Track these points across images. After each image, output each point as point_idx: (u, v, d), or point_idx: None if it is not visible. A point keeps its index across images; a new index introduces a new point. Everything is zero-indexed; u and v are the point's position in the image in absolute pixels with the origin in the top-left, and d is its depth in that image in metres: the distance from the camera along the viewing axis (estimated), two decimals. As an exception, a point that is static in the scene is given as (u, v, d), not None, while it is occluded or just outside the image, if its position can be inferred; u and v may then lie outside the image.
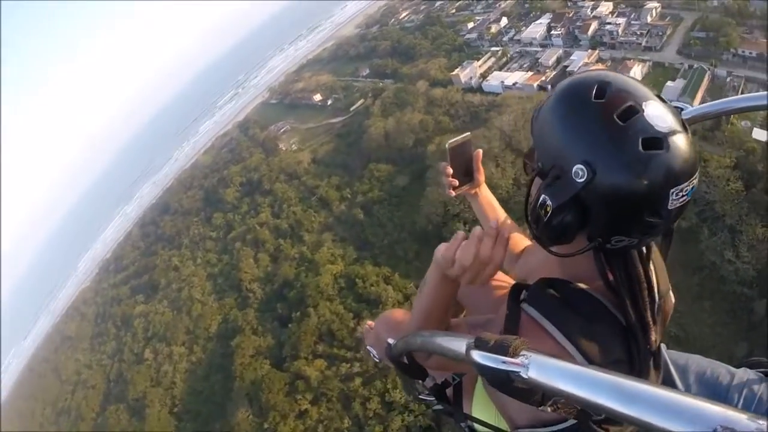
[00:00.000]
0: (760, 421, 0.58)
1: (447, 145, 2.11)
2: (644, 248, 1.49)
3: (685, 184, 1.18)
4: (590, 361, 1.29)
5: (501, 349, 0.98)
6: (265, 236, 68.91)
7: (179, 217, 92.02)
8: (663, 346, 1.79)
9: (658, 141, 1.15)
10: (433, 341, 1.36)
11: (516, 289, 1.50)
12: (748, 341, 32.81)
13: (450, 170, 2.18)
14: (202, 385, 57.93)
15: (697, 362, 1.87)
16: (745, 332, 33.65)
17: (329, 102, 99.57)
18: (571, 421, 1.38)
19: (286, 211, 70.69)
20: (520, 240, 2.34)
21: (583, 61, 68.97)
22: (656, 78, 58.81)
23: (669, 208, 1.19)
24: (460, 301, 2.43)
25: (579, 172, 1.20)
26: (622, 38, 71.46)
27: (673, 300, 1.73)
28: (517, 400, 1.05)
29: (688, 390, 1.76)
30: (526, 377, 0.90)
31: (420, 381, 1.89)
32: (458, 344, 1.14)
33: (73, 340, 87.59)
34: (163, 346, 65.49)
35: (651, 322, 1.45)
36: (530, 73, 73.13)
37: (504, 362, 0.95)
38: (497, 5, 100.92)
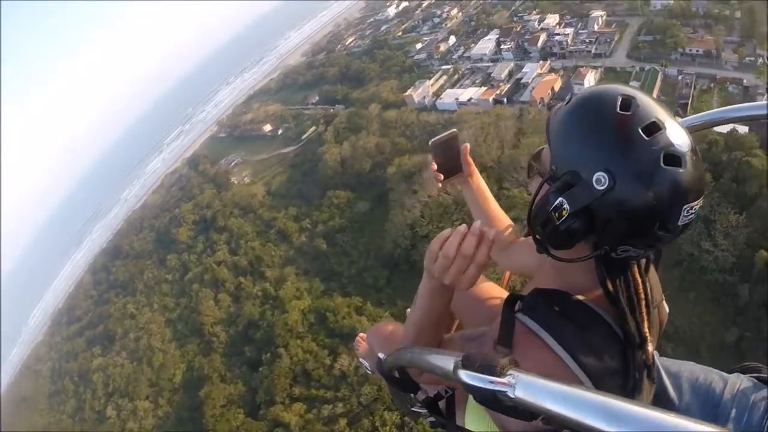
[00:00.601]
0: None
1: (429, 143, 2.10)
2: (644, 260, 1.54)
3: (696, 202, 1.21)
4: (585, 371, 1.32)
5: (488, 368, 0.99)
6: (223, 275, 65.26)
7: (131, 261, 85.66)
8: (655, 354, 1.71)
9: (678, 158, 1.17)
10: (422, 358, 1.38)
11: (511, 300, 1.52)
12: (737, 326, 33.68)
13: (434, 165, 2.16)
14: (173, 442, 53.90)
15: (690, 369, 1.81)
16: (733, 318, 34.37)
17: (280, 132, 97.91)
18: None
19: (244, 247, 67.57)
20: (509, 231, 2.31)
21: (536, 72, 70.25)
22: (610, 83, 58.79)
23: (678, 223, 1.22)
24: (455, 314, 2.40)
25: (601, 179, 1.20)
26: (571, 47, 72.82)
27: (667, 310, 1.76)
28: (507, 416, 1.05)
29: (681, 397, 1.73)
30: (513, 396, 0.92)
31: (412, 394, 1.85)
32: (446, 362, 1.14)
33: (30, 401, 78.97)
34: (125, 402, 59.99)
35: (647, 334, 1.45)
36: (484, 88, 73.18)
37: (491, 382, 0.96)
38: (443, 25, 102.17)
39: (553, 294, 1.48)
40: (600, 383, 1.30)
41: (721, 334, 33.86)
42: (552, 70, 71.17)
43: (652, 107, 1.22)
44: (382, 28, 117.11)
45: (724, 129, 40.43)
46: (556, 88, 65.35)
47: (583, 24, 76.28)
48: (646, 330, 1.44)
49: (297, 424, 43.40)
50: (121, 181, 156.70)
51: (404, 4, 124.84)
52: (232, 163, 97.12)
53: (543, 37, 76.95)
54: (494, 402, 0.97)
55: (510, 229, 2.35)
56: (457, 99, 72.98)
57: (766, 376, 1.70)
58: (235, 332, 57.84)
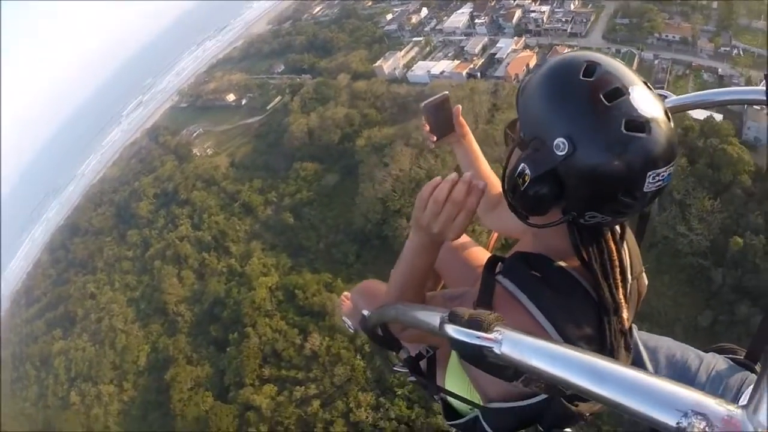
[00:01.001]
0: (731, 407, 0.60)
1: (421, 105, 2.12)
2: (618, 228, 1.57)
3: (662, 169, 1.21)
4: (563, 336, 1.34)
5: (474, 324, 1.00)
6: (187, 251, 62.30)
7: (90, 237, 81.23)
8: (634, 327, 1.82)
9: (640, 124, 1.17)
10: (407, 313, 1.40)
11: (492, 261, 1.53)
12: (710, 309, 34.83)
13: (427, 126, 2.16)
14: (140, 427, 51.49)
15: (668, 345, 1.88)
16: (706, 301, 35.44)
17: (244, 102, 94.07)
18: (543, 397, 1.47)
19: (207, 221, 64.70)
20: (497, 190, 2.24)
21: (510, 48, 69.44)
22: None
23: (644, 190, 1.22)
24: (438, 272, 2.49)
25: (560, 145, 1.22)
26: (547, 25, 72.24)
27: (646, 282, 1.76)
28: (489, 374, 1.08)
29: (657, 372, 1.77)
30: (499, 353, 0.93)
31: (394, 353, 1.90)
32: (433, 317, 1.15)
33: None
34: (89, 387, 56.98)
35: (623, 301, 1.48)
36: (457, 62, 71.80)
37: (478, 337, 0.97)
38: None
39: (533, 258, 1.51)
40: (576, 347, 1.22)
41: (696, 316, 34.65)
42: (527, 46, 70.42)
43: (618, 73, 1.23)
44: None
45: (700, 115, 41.09)
46: (531, 64, 64.17)
47: (559, 3, 75.73)
48: (621, 297, 1.46)
49: (268, 407, 41.95)
50: (78, 155, 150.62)
51: None
52: (194, 134, 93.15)
53: (518, 13, 75.74)
54: (480, 358, 0.98)
55: (498, 190, 2.20)
56: (429, 71, 71.28)
57: (741, 358, 1.76)
58: (200, 311, 55.31)
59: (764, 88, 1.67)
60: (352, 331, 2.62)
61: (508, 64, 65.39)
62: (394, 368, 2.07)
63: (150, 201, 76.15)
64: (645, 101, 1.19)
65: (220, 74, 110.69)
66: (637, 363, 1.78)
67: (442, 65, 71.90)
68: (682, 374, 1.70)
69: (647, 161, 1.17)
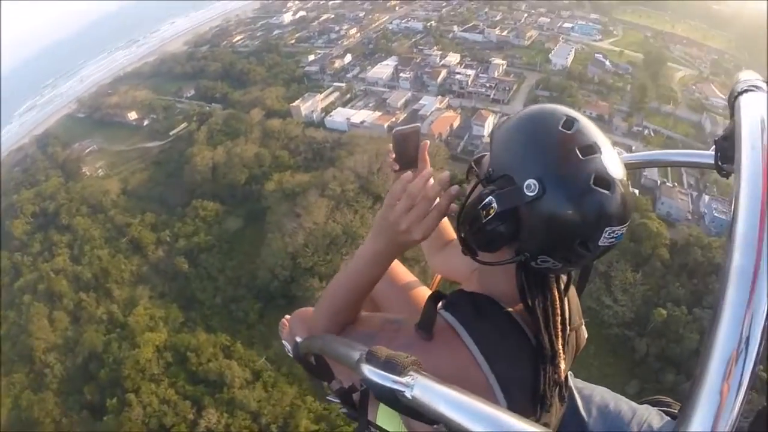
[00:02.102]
0: None
1: (393, 132, 2.01)
2: (564, 278, 1.59)
3: (618, 227, 1.24)
4: (496, 374, 1.34)
5: (390, 366, 1.01)
6: (62, 288, 51.07)
7: None
8: (570, 375, 1.87)
9: (607, 182, 1.21)
10: (331, 346, 1.43)
11: (435, 296, 1.51)
12: (636, 378, 34.99)
13: (392, 155, 2.03)
14: None
15: (602, 394, 1.88)
16: (631, 370, 36.09)
17: (146, 122, 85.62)
18: None
19: (89, 254, 54.95)
20: (448, 232, 2.31)
21: (434, 106, 68.46)
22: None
23: (599, 243, 1.25)
24: (376, 301, 2.35)
25: (531, 185, 1.23)
26: (471, 89, 72.31)
27: (585, 335, 1.77)
28: (407, 416, 1.08)
29: (588, 421, 1.79)
30: (410, 397, 0.93)
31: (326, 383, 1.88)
32: (352, 354, 1.18)
33: None
34: None
35: (561, 350, 1.49)
36: (378, 113, 68.98)
37: (391, 380, 0.97)
38: (340, 42, 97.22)
39: (477, 296, 1.50)
40: (509, 391, 1.33)
41: (622, 386, 33.06)
42: (450, 107, 69.56)
43: (593, 132, 1.28)
44: (275, 32, 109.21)
45: None
46: (455, 125, 63.56)
47: (483, 69, 76.49)
48: (560, 346, 1.47)
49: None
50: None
51: (302, 13, 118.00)
52: (87, 150, 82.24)
53: (443, 73, 75.25)
54: (393, 400, 1.00)
55: (447, 233, 2.30)
56: (348, 119, 68.04)
57: (675, 411, 1.75)
58: (72, 365, 44.86)
59: (713, 152, 1.67)
60: (291, 356, 2.27)
61: (432, 122, 63.21)
62: (327, 398, 1.96)
63: (27, 220, 64.01)
64: (613, 163, 1.24)
65: (125, 89, 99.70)
66: (571, 411, 1.77)
67: (362, 114, 68.88)
68: (613, 425, 1.69)
69: (607, 217, 1.21)
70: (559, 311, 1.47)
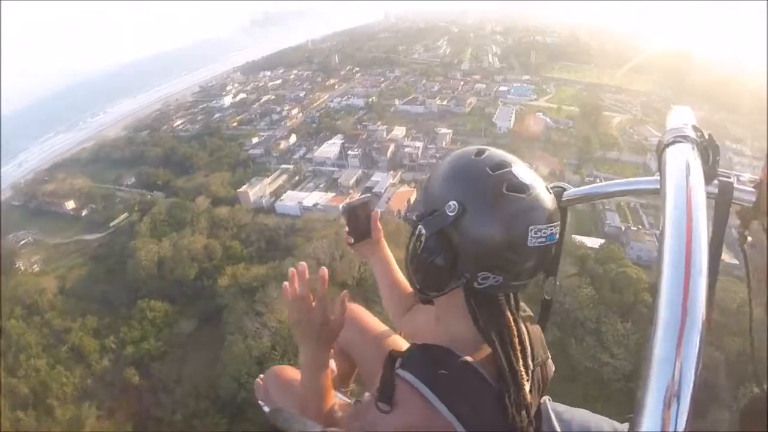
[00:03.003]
0: None
1: (341, 207, 2.20)
2: (513, 302, 1.57)
3: (543, 225, 1.29)
4: (462, 422, 1.32)
5: None
6: None
7: None
8: (548, 399, 1.85)
9: (520, 187, 1.29)
10: (290, 423, 1.55)
11: (392, 358, 1.50)
12: None
13: (346, 228, 2.19)
14: None
15: (582, 416, 1.85)
16: None
17: (84, 213, 77.75)
18: None
19: (25, 365, 45.65)
20: (410, 296, 2.26)
21: (388, 182, 65.66)
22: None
23: (528, 245, 1.28)
24: (352, 358, 2.47)
25: (452, 206, 1.31)
26: (422, 160, 70.41)
27: (553, 368, 1.74)
28: None
29: None
30: None
31: None
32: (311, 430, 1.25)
33: None
34: None
35: (523, 371, 1.47)
36: (331, 194, 64.85)
37: None
38: (283, 123, 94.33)
39: (430, 348, 1.47)
40: (474, 429, 1.32)
41: None
42: (402, 180, 66.78)
43: (502, 154, 1.38)
44: (215, 116, 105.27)
45: (594, 244, 44.80)
46: (412, 200, 59.74)
47: (430, 139, 75.34)
48: (521, 367, 1.45)
49: None
50: None
51: (242, 95, 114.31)
52: (21, 242, 73.54)
53: (392, 147, 72.93)
54: None
55: (409, 295, 2.24)
56: (300, 203, 63.45)
57: None
58: None
59: (657, 177, 1.51)
60: (267, 412, 2.36)
61: (389, 198, 59.93)
62: None
63: (-46, 324, 54.78)
64: (525, 173, 1.32)
65: (62, 176, 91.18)
66: None
67: (314, 197, 64.38)
68: None
69: (528, 218, 1.26)
70: (515, 333, 1.47)
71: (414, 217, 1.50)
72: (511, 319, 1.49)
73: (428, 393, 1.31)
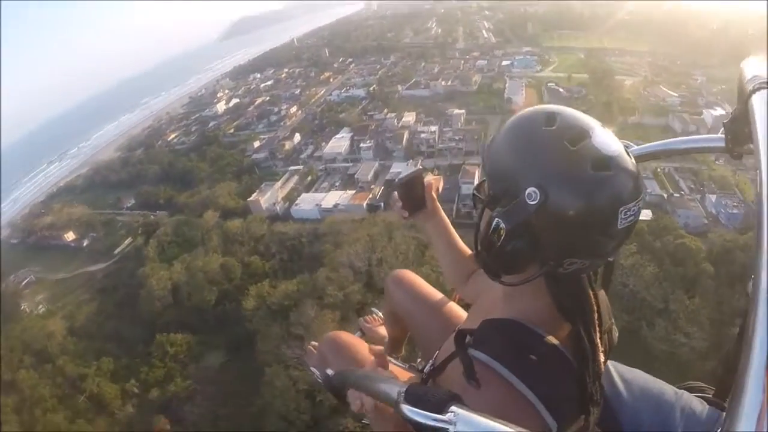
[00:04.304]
0: None
1: (396, 182, 2.08)
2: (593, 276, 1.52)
3: (632, 203, 1.18)
4: (543, 400, 1.27)
5: (429, 404, 0.98)
6: None
7: None
8: (609, 362, 1.81)
9: (605, 163, 1.14)
10: (367, 383, 1.39)
11: (460, 335, 1.44)
12: None
13: (399, 203, 2.09)
14: None
15: (644, 377, 1.84)
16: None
17: (85, 242, 71.04)
18: None
19: (42, 420, 38.96)
20: (470, 263, 2.18)
21: (427, 178, 56.86)
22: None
23: (618, 227, 1.18)
24: (404, 322, 2.47)
25: (532, 194, 1.16)
26: (440, 145, 64.60)
27: (617, 335, 1.67)
28: None
29: (633, 402, 1.75)
30: None
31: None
32: (391, 391, 1.14)
33: None
34: None
35: (599, 344, 1.42)
36: (351, 192, 57.97)
37: (432, 418, 0.95)
38: (282, 123, 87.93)
39: (504, 324, 1.41)
40: (556, 409, 1.27)
41: None
42: (425, 168, 57.93)
43: (577, 119, 1.21)
44: (210, 124, 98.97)
45: (642, 216, 35.62)
46: (440, 188, 51.29)
47: (445, 121, 69.17)
48: (598, 340, 1.40)
49: None
50: None
51: (235, 100, 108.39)
52: (24, 282, 66.63)
53: (406, 134, 66.56)
54: None
55: (470, 261, 2.16)
56: (318, 205, 56.74)
57: (710, 396, 1.73)
58: None
59: (722, 136, 1.62)
60: (320, 381, 2.34)
61: None
62: (363, 421, 1.94)
63: (-42, 381, 47.53)
64: (606, 141, 1.18)
65: (58, 206, 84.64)
66: (613, 394, 1.73)
67: (333, 197, 57.89)
68: (657, 406, 1.66)
69: (617, 198, 1.14)
70: (595, 308, 1.40)
71: (482, 200, 1.37)
72: (591, 296, 1.39)
73: (507, 373, 1.26)
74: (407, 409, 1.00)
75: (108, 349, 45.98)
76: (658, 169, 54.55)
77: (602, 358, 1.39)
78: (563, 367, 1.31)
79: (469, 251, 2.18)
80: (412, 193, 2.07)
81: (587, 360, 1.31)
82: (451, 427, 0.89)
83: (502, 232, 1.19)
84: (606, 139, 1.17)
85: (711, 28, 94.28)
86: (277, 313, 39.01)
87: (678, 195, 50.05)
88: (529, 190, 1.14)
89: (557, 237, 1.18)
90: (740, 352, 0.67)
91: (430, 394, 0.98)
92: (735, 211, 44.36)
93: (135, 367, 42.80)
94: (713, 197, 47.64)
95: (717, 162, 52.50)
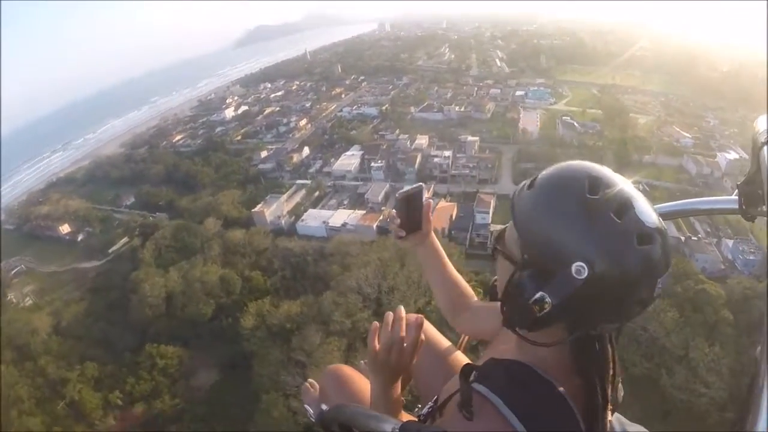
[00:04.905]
0: None
1: (397, 195, 2.01)
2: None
3: (666, 273, 1.18)
4: None
5: None
6: None
7: None
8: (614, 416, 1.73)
9: (649, 237, 1.13)
10: (361, 419, 1.37)
11: (466, 371, 1.41)
12: None
13: (398, 220, 2.02)
14: None
15: None
16: None
17: (80, 237, 68.74)
18: None
19: (17, 423, 36.03)
20: (465, 292, 2.19)
21: (425, 196, 53.28)
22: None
23: (654, 295, 1.18)
24: (409, 370, 2.15)
25: (581, 270, 1.12)
26: (454, 171, 63.25)
27: (622, 392, 1.60)
28: None
29: None
30: None
31: None
32: (385, 428, 1.14)
33: None
34: None
35: (609, 401, 1.41)
36: (361, 212, 55.53)
37: None
38: (291, 135, 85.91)
39: (511, 365, 1.37)
40: None
41: None
42: (436, 194, 58.12)
43: (619, 186, 1.17)
44: (217, 129, 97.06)
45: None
46: (454, 215, 52.50)
47: (457, 147, 67.70)
48: (609, 397, 1.38)
49: None
50: None
51: (244, 107, 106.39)
52: (14, 271, 63.91)
53: (419, 158, 64.77)
54: None
55: (467, 293, 2.18)
56: (326, 223, 54.35)
57: None
58: None
59: (736, 197, 1.64)
60: (312, 420, 2.42)
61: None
62: None
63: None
64: (647, 212, 1.15)
65: (56, 197, 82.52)
66: None
67: (341, 215, 55.52)
68: None
69: (658, 269, 1.14)
70: (611, 364, 1.38)
71: (506, 255, 1.33)
72: (611, 351, 1.37)
73: (505, 410, 1.22)
74: None
75: (93, 354, 43.21)
76: (675, 211, 54.84)
77: (609, 415, 1.37)
78: (565, 417, 1.25)
79: (462, 281, 2.14)
80: (411, 211, 1.98)
81: (597, 416, 1.29)
82: None
83: (546, 306, 1.15)
84: (646, 209, 1.15)
85: (722, 71, 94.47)
86: (277, 335, 36.70)
87: (695, 238, 48.93)
88: (577, 265, 1.10)
89: (595, 307, 1.17)
90: (750, 404, 0.68)
91: (424, 429, 0.92)
92: (752, 257, 43.78)
93: (120, 376, 40.16)
94: (730, 242, 46.78)
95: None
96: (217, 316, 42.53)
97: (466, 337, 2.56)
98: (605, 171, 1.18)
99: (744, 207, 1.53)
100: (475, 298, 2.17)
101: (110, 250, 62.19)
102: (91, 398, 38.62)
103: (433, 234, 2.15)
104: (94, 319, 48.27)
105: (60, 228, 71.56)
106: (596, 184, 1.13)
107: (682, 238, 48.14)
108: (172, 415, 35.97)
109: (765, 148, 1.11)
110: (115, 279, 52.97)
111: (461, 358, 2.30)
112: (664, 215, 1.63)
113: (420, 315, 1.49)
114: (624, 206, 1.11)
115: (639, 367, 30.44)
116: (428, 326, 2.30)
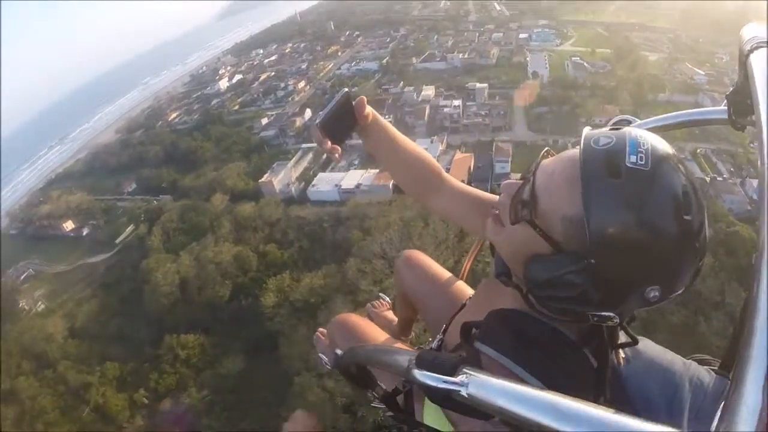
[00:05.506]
0: None
1: (316, 123, 1.59)
2: None
3: None
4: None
5: (440, 367, 0.95)
6: None
7: None
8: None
9: (704, 252, 1.05)
10: (377, 356, 1.37)
11: (467, 330, 1.31)
12: None
13: (328, 144, 1.61)
14: None
15: (653, 347, 1.64)
16: None
17: (85, 232, 66.60)
18: None
19: None
20: (431, 169, 1.81)
21: (439, 150, 53.16)
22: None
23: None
24: (414, 303, 2.40)
25: (655, 295, 1.03)
26: (465, 120, 60.71)
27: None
28: (462, 414, 1.00)
29: (640, 370, 1.58)
30: (466, 395, 0.89)
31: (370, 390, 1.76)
32: (401, 360, 1.10)
33: None
34: None
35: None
36: (374, 171, 52.23)
37: (444, 381, 0.92)
38: (290, 98, 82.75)
39: (513, 315, 1.29)
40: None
41: None
42: (449, 146, 56.04)
43: (700, 203, 1.02)
44: (213, 102, 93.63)
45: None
46: (472, 166, 50.16)
47: (466, 96, 65.65)
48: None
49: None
50: None
51: (238, 76, 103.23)
52: (23, 276, 61.95)
53: (428, 110, 62.65)
54: (448, 401, 0.93)
55: (433, 169, 1.82)
56: (338, 186, 51.78)
57: (716, 368, 1.57)
58: None
59: (725, 108, 1.54)
60: (328, 368, 2.51)
61: (447, 169, 47.88)
62: (372, 405, 1.91)
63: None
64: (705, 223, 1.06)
65: (56, 194, 79.91)
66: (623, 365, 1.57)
67: (353, 176, 52.93)
68: (666, 377, 1.51)
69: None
70: None
71: (565, 261, 1.07)
72: None
73: (515, 368, 1.14)
74: (419, 374, 0.97)
75: (112, 353, 41.01)
76: (698, 150, 53.59)
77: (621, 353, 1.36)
78: (580, 365, 1.21)
79: (426, 156, 1.82)
80: (342, 122, 1.64)
81: (607, 357, 1.24)
82: (463, 389, 0.89)
83: (612, 321, 1.08)
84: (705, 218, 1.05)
85: (727, 9, 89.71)
86: (302, 311, 33.94)
87: (720, 179, 48.01)
88: (653, 289, 1.03)
89: (644, 306, 1.09)
90: (744, 322, 0.71)
91: (441, 358, 0.95)
92: (780, 196, 42.40)
93: (143, 373, 38.01)
94: (754, 182, 43.58)
95: (752, 145, 49.34)
96: (235, 297, 40.22)
97: (468, 265, 2.51)
98: (689, 185, 1.00)
99: (733, 117, 1.48)
100: (444, 174, 1.82)
101: (117, 241, 60.31)
102: (116, 400, 36.54)
103: (375, 117, 1.70)
104: (108, 316, 46.44)
105: (63, 225, 69.67)
106: (689, 202, 0.99)
107: (707, 179, 47.13)
108: (201, 409, 33.49)
109: (751, 56, 1.09)
110: (125, 270, 51.16)
111: (463, 288, 2.24)
112: (654, 129, 1.74)
113: None
114: (702, 226, 1.02)
115: (676, 315, 28.62)
116: (427, 259, 2.34)
